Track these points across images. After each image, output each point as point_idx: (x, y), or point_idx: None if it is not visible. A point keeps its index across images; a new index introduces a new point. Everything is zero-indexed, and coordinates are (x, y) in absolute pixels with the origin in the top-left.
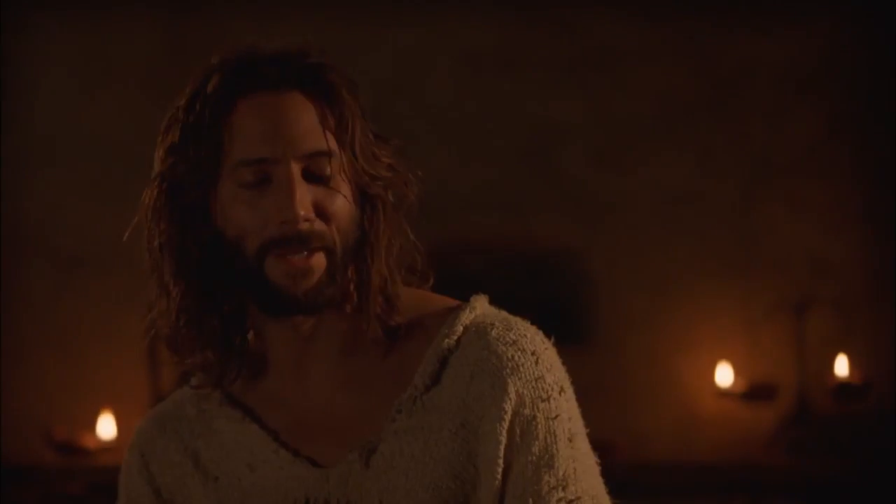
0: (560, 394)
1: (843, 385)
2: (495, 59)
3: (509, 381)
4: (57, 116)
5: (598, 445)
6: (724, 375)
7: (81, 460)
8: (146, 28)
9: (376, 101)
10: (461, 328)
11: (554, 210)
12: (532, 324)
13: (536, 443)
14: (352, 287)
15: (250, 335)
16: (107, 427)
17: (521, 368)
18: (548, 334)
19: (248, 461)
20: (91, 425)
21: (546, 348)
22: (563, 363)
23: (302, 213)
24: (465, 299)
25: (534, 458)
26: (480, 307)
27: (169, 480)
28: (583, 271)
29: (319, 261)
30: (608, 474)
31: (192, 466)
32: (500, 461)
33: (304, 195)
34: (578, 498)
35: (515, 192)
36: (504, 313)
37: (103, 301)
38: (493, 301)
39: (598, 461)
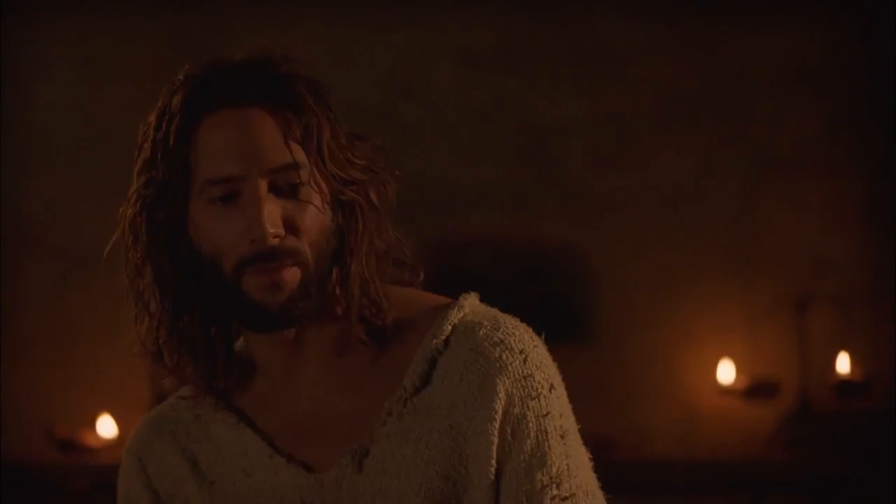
0: (550, 391)
1: (844, 382)
2: (496, 58)
3: (498, 380)
4: (57, 116)
5: (598, 442)
6: (726, 373)
7: (83, 458)
8: (147, 27)
9: (378, 101)
10: (449, 328)
11: (555, 207)
12: (533, 321)
13: (528, 441)
14: (338, 290)
15: (238, 343)
16: (108, 425)
17: (510, 367)
18: (539, 332)
19: (244, 466)
20: (92, 423)
21: (535, 346)
22: (564, 360)
23: (271, 230)
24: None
25: (526, 456)
26: (469, 305)
27: (167, 483)
28: (584, 268)
29: (293, 274)
30: (609, 471)
31: (190, 470)
32: (493, 461)
33: (273, 211)
34: (573, 495)
35: (517, 189)
36: (493, 311)
37: (104, 299)
38: (495, 299)
39: (591, 457)
